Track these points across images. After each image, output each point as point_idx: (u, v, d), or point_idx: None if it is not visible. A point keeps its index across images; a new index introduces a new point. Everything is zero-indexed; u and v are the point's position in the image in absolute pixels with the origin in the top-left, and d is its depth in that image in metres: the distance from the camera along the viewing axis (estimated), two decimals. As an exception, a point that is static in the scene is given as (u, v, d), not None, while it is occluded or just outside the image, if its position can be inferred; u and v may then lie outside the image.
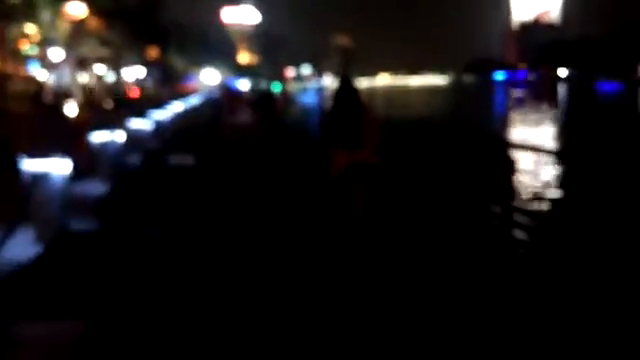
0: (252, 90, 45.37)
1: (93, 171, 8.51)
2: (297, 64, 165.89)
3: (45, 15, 31.02)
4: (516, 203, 8.17)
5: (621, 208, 7.81)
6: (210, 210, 7.32)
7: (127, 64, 47.67)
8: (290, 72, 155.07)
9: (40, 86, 31.91)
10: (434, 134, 20.41)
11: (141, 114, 14.23)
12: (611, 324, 3.97)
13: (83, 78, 38.97)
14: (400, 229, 6.45)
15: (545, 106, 38.02)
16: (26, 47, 33.81)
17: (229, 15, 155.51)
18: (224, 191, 8.63)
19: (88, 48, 36.11)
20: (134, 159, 11.41)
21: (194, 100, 38.26)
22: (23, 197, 5.73)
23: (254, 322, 3.93)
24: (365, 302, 4.28)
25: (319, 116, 28.19)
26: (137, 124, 13.20)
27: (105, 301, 4.27)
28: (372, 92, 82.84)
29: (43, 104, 22.77)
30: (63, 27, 32.15)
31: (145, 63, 53.02)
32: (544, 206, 8.06)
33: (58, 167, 6.03)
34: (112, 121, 11.00)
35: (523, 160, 12.81)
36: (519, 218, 7.20)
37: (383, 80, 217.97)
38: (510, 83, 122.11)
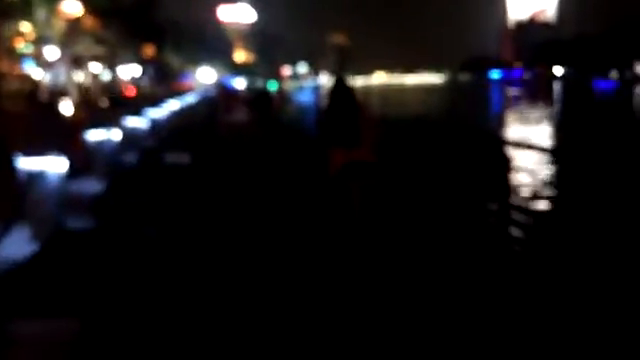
0: (248, 88, 45.35)
1: (89, 169, 8.48)
2: (293, 62, 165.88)
3: (40, 13, 30.93)
4: (512, 201, 8.19)
5: (617, 205, 7.83)
6: (206, 208, 7.32)
7: (123, 62, 47.57)
8: (286, 70, 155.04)
9: (35, 84, 31.82)
10: (430, 132, 20.43)
11: (137, 112, 14.21)
12: (607, 322, 3.99)
13: (79, 77, 38.87)
14: (397, 227, 6.46)
15: (541, 104, 38.11)
16: (21, 45, 33.69)
17: (225, 13, 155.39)
18: (220, 189, 8.62)
19: (83, 46, 36.03)
20: (130, 157, 11.39)
21: (190, 98, 38.22)
22: (19, 195, 5.72)
23: (251, 320, 3.93)
24: (361, 299, 4.29)
25: (315, 114, 28.19)
26: (133, 122, 13.18)
27: (101, 299, 4.26)
28: (368, 91, 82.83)
29: (38, 102, 22.69)
30: (58, 25, 32.06)
31: (141, 61, 52.93)
32: (540, 204, 8.08)
33: (54, 165, 6.01)
34: (108, 119, 10.98)
35: (519, 158, 12.84)
36: (515, 216, 7.22)
37: (379, 79, 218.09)
38: (506, 82, 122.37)
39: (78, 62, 37.08)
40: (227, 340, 3.66)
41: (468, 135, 18.75)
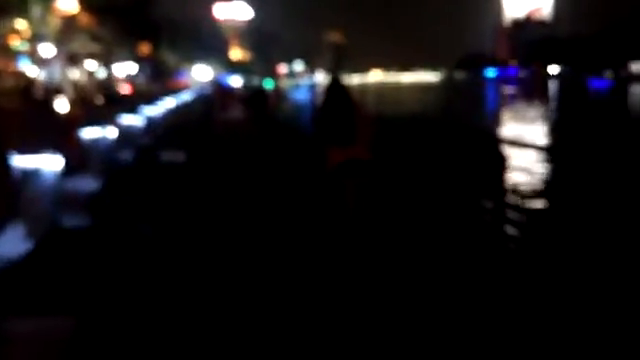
0: (245, 86, 45.29)
1: (84, 167, 8.46)
2: (289, 60, 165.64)
3: (36, 10, 30.82)
4: (507, 199, 8.21)
5: (612, 203, 7.86)
6: (202, 206, 7.31)
7: (118, 60, 47.44)
8: (282, 69, 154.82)
9: (30, 81, 31.70)
10: (426, 131, 20.46)
11: (133, 110, 14.18)
12: (600, 319, 4.01)
13: (74, 74, 38.75)
14: (392, 224, 6.47)
15: (536, 103, 38.19)
16: (16, 43, 33.56)
17: (221, 11, 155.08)
18: (216, 187, 8.62)
19: (79, 44, 35.93)
20: (125, 155, 11.37)
21: (186, 96, 38.15)
22: (14, 193, 5.70)
23: (246, 317, 3.93)
24: (355, 295, 4.29)
25: (311, 112, 28.19)
26: (128, 120, 13.15)
27: (97, 297, 4.26)
28: (364, 89, 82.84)
29: (33, 99, 22.62)
30: (54, 23, 31.96)
31: (136, 59, 52.80)
32: (535, 202, 8.10)
33: (49, 163, 5.99)
34: (103, 117, 10.95)
35: (514, 156, 12.87)
36: (510, 214, 7.24)
37: (375, 77, 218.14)
38: (501, 80, 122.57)
39: (73, 59, 36.98)
40: (223, 337, 3.66)
41: (463, 133, 18.78)
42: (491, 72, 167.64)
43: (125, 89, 40.98)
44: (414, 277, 4.76)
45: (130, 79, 51.46)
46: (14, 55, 34.17)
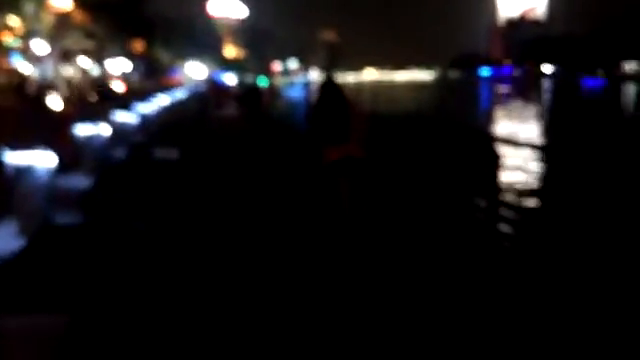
0: (238, 84, 45.22)
1: (77, 164, 8.42)
2: (284, 58, 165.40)
3: (29, 7, 30.65)
4: (501, 197, 8.23)
5: (605, 201, 7.90)
6: (195, 203, 7.29)
7: (112, 57, 47.26)
8: (277, 66, 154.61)
9: (23, 78, 31.54)
10: (420, 129, 20.48)
11: (126, 107, 14.13)
12: (593, 315, 4.03)
13: (67, 71, 38.57)
14: (386, 222, 6.48)
15: (529, 102, 38.30)
16: (9, 39, 33.37)
17: (215, 8, 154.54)
18: (209, 184, 8.60)
19: (72, 40, 35.77)
20: (119, 152, 11.32)
21: (180, 94, 38.03)
22: (6, 190, 5.67)
23: (241, 314, 3.93)
24: (349, 292, 4.30)
25: (305, 110, 28.18)
26: (122, 117, 13.09)
27: (90, 295, 4.24)
28: (358, 87, 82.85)
29: (26, 95, 22.50)
30: (47, 19, 31.80)
31: (130, 56, 52.61)
32: (529, 200, 8.13)
33: (42, 160, 5.96)
34: (96, 114, 10.91)
35: (508, 155, 12.90)
36: (504, 212, 7.26)
37: (370, 75, 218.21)
38: (495, 79, 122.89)
39: (67, 56, 36.81)
40: (216, 333, 3.65)
41: (457, 131, 18.81)
42: (485, 71, 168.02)
43: (118, 86, 40.84)
44: (408, 275, 4.76)
45: (123, 76, 51.27)
46: (6, 52, 33.98)
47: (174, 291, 4.36)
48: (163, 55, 65.70)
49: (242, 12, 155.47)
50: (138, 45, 54.72)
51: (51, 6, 31.91)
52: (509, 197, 8.22)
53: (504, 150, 13.76)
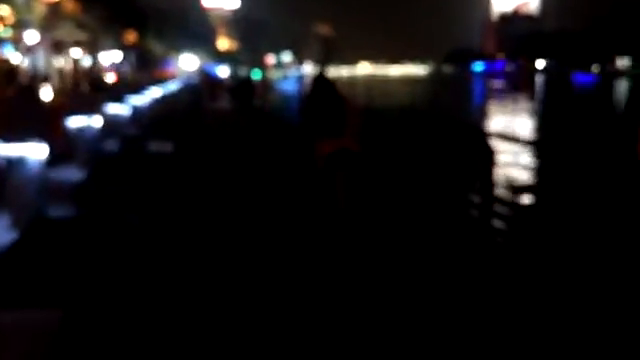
0: (232, 77, 45.05)
1: (70, 156, 8.36)
2: (277, 51, 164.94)
3: (19, -4, 30.33)
4: (495, 193, 8.25)
5: (597, 197, 7.93)
6: (188, 196, 7.26)
7: (104, 48, 46.91)
8: (270, 59, 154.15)
9: (14, 69, 31.24)
10: (414, 123, 20.50)
11: (118, 99, 14.01)
12: (586, 311, 4.04)
13: (59, 62, 38.26)
14: (380, 217, 6.47)
15: (522, 97, 38.41)
16: (0, 29, 33.01)
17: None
18: (203, 178, 8.56)
19: (64, 31, 35.44)
20: (111, 145, 11.26)
21: (172, 86, 37.84)
22: (-2, 182, 5.62)
23: (235, 310, 3.91)
24: (343, 288, 4.29)
25: (299, 103, 28.13)
26: (114, 109, 13.00)
27: (83, 288, 4.21)
28: (353, 81, 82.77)
29: (18, 85, 22.29)
30: (38, 9, 31.49)
31: (122, 47, 52.23)
32: (522, 196, 8.15)
33: (34, 152, 5.91)
34: (89, 106, 10.81)
35: (501, 150, 12.93)
36: (498, 208, 7.28)
37: (364, 69, 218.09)
38: (488, 74, 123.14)
39: (58, 47, 36.49)
40: (210, 328, 3.64)
41: (451, 126, 18.84)
42: (478, 66, 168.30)
43: (110, 78, 40.56)
44: (402, 270, 4.76)
45: (116, 68, 50.90)
46: (-2, 42, 33.62)
47: (168, 284, 4.34)
48: (156, 47, 65.27)
49: (234, 3, 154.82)
50: (130, 36, 54.33)
51: (42, -4, 31.63)
52: (502, 193, 8.23)
53: (498, 145, 13.79)
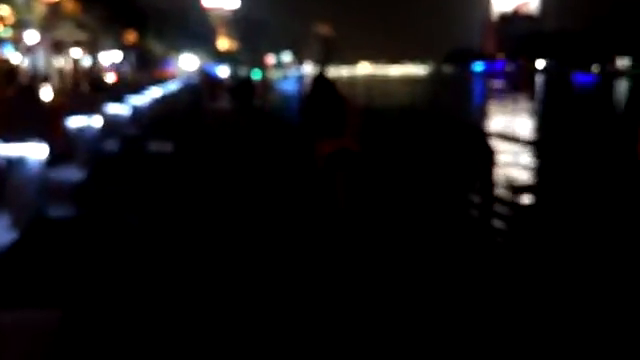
0: (232, 77, 45.07)
1: (70, 156, 8.36)
2: (277, 51, 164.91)
3: (19, -4, 30.33)
4: (495, 193, 8.25)
5: (597, 197, 7.93)
6: (188, 196, 7.26)
7: (104, 48, 46.91)
8: (270, 59, 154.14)
9: (14, 69, 31.24)
10: (414, 123, 20.50)
11: (118, 99, 14.01)
12: (585, 310, 4.04)
13: (59, 62, 38.26)
14: (380, 217, 6.47)
15: (522, 97, 38.42)
16: (0, 29, 33.01)
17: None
18: (202, 178, 8.56)
19: (64, 31, 35.44)
20: (112, 145, 11.26)
21: (172, 86, 37.84)
22: (-2, 182, 5.62)
23: (235, 310, 3.91)
24: (343, 288, 4.29)
25: (299, 103, 28.14)
26: (114, 109, 13.00)
27: (83, 288, 4.21)
28: (353, 81, 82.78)
29: (18, 85, 22.29)
30: (38, 9, 31.49)
31: (122, 47, 52.23)
32: (522, 196, 8.15)
33: (34, 152, 5.91)
34: (89, 106, 10.81)
35: (501, 150, 12.93)
36: (498, 208, 7.28)
37: (364, 69, 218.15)
38: (488, 74, 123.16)
39: (58, 47, 36.49)
40: (209, 327, 3.64)
41: (451, 126, 18.84)
42: (478, 66, 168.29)
43: (110, 78, 40.56)
44: (402, 269, 4.76)
45: (115, 68, 50.89)
46: (-2, 42, 33.62)
47: (167, 284, 4.34)
48: (156, 47, 65.26)
49: (234, 3, 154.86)
50: (130, 36, 54.33)
51: (42, -5, 31.64)
52: (502, 193, 8.23)
53: (498, 145, 13.79)
